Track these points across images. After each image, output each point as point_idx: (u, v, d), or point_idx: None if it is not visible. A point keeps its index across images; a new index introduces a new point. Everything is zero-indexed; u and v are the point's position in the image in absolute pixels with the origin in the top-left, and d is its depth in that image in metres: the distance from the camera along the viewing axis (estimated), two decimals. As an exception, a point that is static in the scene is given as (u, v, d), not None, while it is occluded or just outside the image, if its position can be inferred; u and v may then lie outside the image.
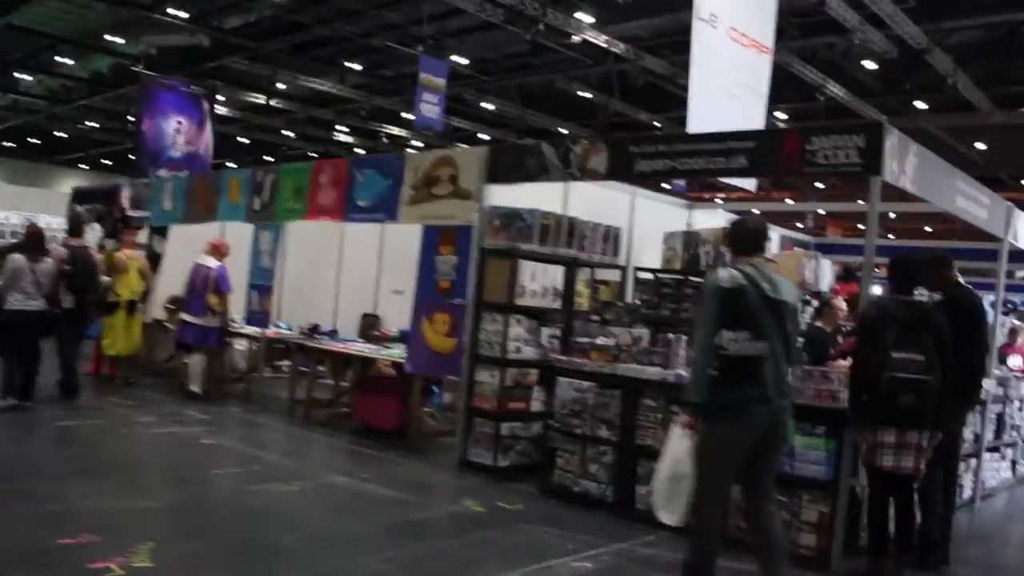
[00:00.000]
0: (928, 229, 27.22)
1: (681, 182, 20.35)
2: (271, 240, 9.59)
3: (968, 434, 7.23)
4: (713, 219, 9.22)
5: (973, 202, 6.65)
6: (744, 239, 4.51)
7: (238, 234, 10.23)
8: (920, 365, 4.99)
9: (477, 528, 5.74)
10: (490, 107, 22.42)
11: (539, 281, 7.08)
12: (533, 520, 5.87)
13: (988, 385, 7.32)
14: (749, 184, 10.12)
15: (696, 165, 6.13)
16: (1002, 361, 8.67)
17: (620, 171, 6.53)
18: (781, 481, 5.45)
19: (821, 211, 28.70)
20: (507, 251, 7.02)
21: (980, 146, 26.27)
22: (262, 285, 9.68)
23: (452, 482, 6.89)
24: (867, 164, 5.30)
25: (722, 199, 17.68)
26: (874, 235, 5.44)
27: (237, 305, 9.89)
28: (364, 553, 5.04)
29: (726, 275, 4.32)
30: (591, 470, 6.23)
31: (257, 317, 9.73)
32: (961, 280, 5.73)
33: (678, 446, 4.43)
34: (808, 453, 5.43)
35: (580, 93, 20.40)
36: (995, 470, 7.89)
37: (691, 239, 7.03)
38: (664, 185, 18.56)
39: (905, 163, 5.57)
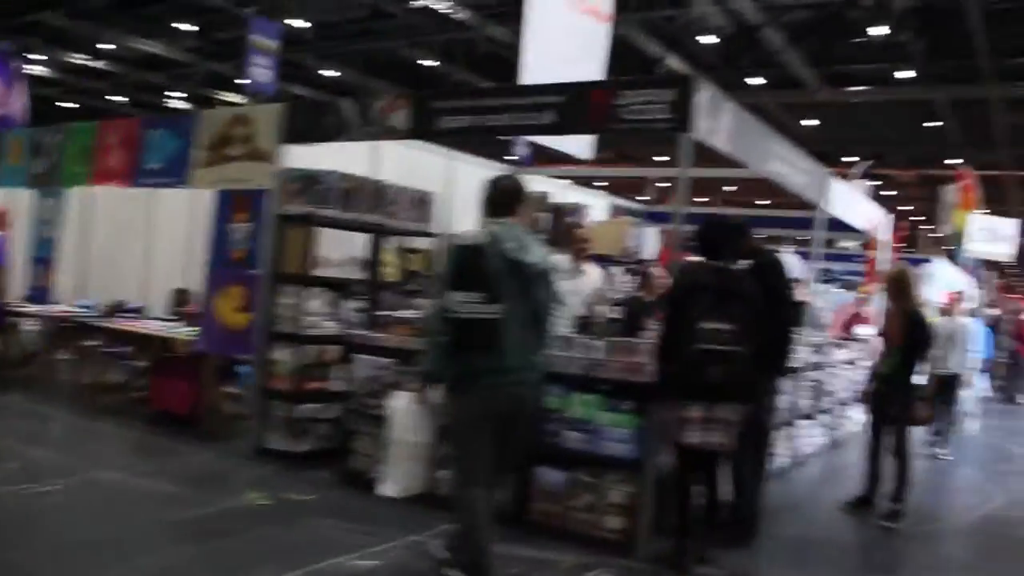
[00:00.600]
0: (764, 202, 27.98)
1: (526, 151, 19.99)
2: (54, 207, 8.49)
3: (783, 402, 7.13)
4: (542, 187, 8.79)
5: (790, 167, 6.45)
6: (494, 198, 4.11)
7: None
8: (730, 336, 4.68)
9: (258, 524, 5.07)
10: (332, 74, 21.38)
11: (340, 250, 6.42)
12: (323, 512, 5.25)
13: (803, 352, 7.23)
14: (583, 150, 9.75)
15: (503, 121, 5.63)
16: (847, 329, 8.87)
17: (423, 128, 5.93)
18: (586, 461, 5.10)
19: (638, 175, 28.87)
20: (304, 217, 6.33)
21: (811, 123, 27.25)
22: (44, 258, 8.58)
23: (243, 472, 6.14)
24: (677, 120, 4.91)
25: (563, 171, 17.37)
26: (684, 199, 5.10)
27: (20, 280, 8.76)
28: (117, 562, 4.30)
29: (468, 234, 3.99)
30: (391, 454, 5.66)
31: (39, 293, 8.62)
32: (766, 248, 5.48)
33: (401, 413, 4.09)
34: (613, 431, 5.04)
35: (423, 62, 19.70)
36: (811, 437, 7.85)
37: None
38: (508, 157, 18.13)
39: (719, 122, 5.23)
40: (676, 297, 4.77)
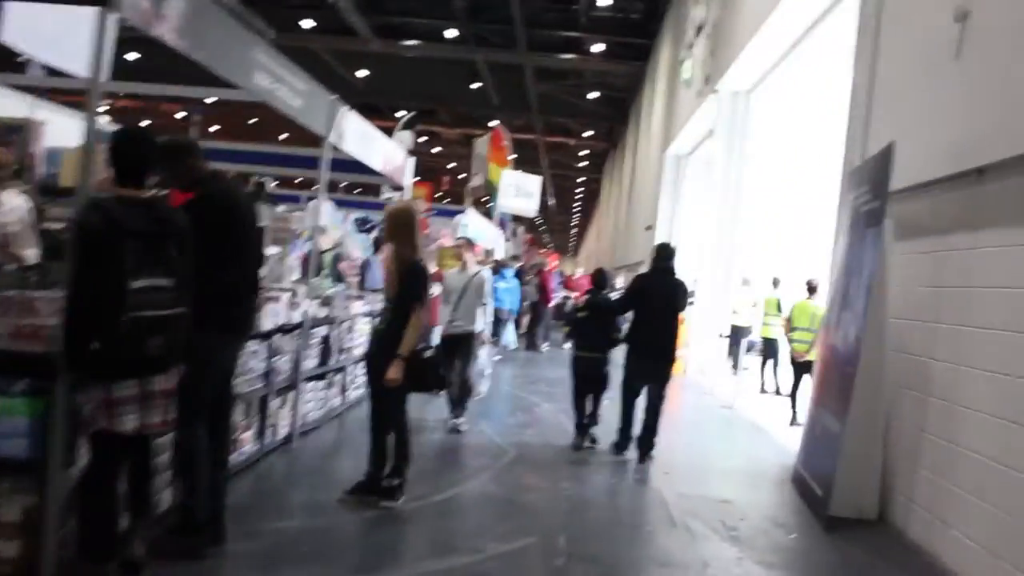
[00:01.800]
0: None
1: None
2: None
3: (284, 364, 6.07)
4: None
5: (283, 85, 5.29)
6: None
7: None
8: (169, 295, 3.41)
9: None
10: None
11: None
12: None
13: (309, 308, 6.23)
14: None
15: None
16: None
17: None
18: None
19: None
20: None
21: (362, 73, 26.81)
22: None
23: None
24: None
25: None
26: (95, 104, 3.66)
27: None
28: None
29: None
30: None
31: None
32: (224, 174, 4.18)
33: None
34: (2, 422, 3.50)
35: None
36: (321, 400, 6.93)
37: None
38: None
39: (164, 4, 3.85)
40: (92, 244, 3.32)
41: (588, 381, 7.24)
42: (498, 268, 13.64)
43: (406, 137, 17.50)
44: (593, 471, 6.51)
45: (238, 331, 4.03)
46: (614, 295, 9.31)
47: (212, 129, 31.93)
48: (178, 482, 4.04)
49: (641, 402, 7.02)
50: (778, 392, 12.00)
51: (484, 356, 7.71)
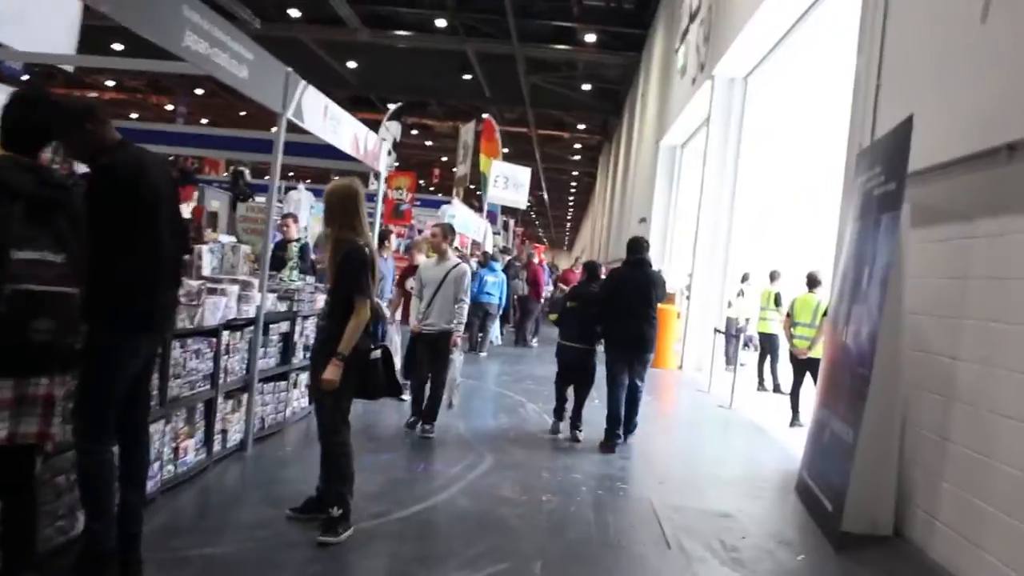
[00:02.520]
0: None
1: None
2: None
3: (236, 364, 5.43)
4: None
5: (224, 51, 4.63)
6: None
7: None
8: (58, 271, 2.82)
9: None
10: None
11: None
12: None
13: (264, 302, 5.57)
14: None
15: None
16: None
17: None
18: None
19: None
20: None
21: (352, 64, 26.10)
22: None
23: None
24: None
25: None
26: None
27: None
28: None
29: None
30: None
31: None
32: (132, 144, 3.47)
33: None
34: None
35: None
36: (282, 402, 6.28)
37: None
38: None
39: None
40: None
41: (572, 371, 7.25)
42: (486, 261, 13.00)
43: (394, 127, 16.89)
44: (579, 481, 5.86)
45: (148, 328, 3.37)
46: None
47: (203, 122, 31.29)
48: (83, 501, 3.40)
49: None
50: (777, 389, 11.39)
51: (459, 362, 6.94)
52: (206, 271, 5.51)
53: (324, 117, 6.29)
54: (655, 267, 7.52)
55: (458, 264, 6.79)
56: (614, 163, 33.27)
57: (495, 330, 13.20)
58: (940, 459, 4.74)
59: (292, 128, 5.81)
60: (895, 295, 5.00)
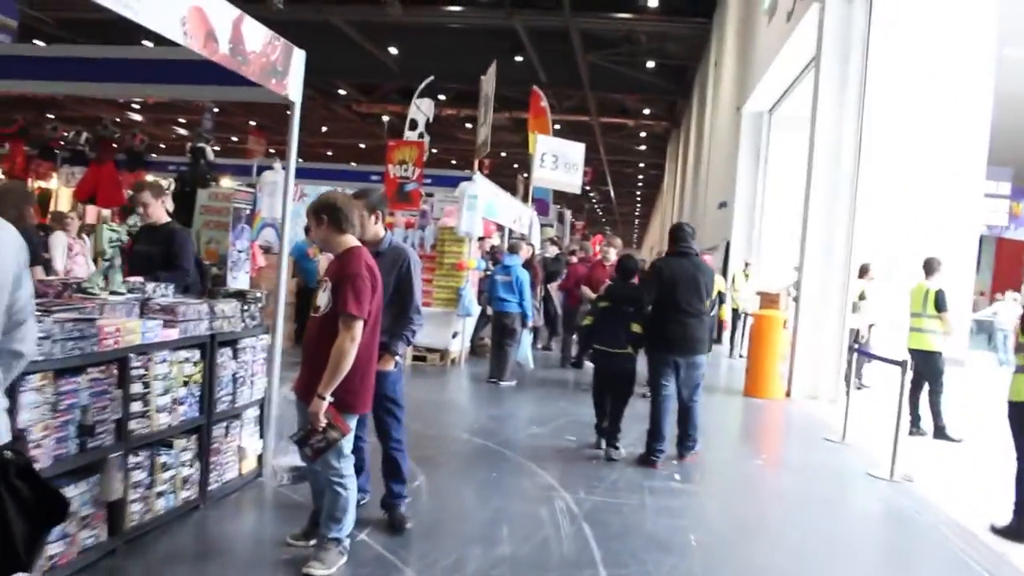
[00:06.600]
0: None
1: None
2: None
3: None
4: None
5: None
6: None
7: None
8: None
9: None
10: None
11: None
12: None
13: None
14: None
15: None
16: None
17: None
18: None
19: None
20: None
21: (394, 51, 22.80)
22: None
23: None
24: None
25: None
26: None
27: None
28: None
29: None
30: None
31: None
32: None
33: None
34: None
35: None
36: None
37: None
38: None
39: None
40: None
41: (609, 379, 6.19)
42: (496, 256, 9.36)
43: (425, 105, 13.47)
44: None
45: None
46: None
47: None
48: None
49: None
50: (940, 433, 7.47)
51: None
52: None
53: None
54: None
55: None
56: (684, 149, 29.26)
57: (523, 349, 9.10)
58: None
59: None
60: None
